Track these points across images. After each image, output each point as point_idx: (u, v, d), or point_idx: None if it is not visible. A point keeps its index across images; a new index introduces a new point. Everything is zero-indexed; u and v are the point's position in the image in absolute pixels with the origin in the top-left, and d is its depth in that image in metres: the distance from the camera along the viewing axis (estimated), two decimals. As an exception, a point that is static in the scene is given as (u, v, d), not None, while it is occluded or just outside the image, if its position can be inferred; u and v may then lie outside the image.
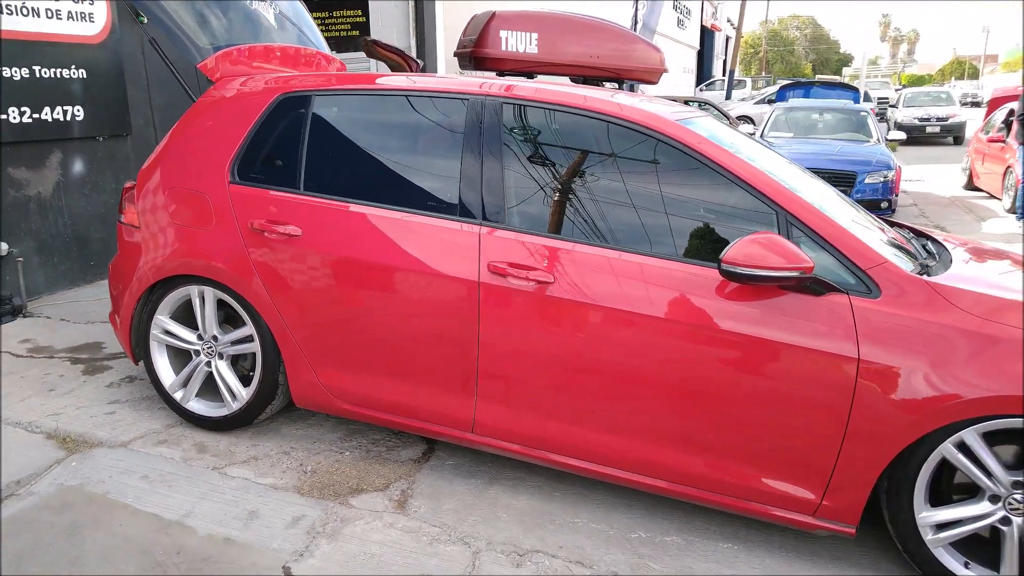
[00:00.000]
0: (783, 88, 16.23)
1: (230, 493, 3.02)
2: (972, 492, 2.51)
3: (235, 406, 3.40)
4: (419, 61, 7.51)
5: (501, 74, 7.15)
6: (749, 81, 34.10)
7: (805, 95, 15.89)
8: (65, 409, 3.67)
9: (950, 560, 2.51)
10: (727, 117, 15.98)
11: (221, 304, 3.39)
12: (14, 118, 5.19)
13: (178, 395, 3.50)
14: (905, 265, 2.64)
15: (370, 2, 11.09)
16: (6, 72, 5.09)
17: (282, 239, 3.16)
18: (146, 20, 3.66)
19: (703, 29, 33.59)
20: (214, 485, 3.07)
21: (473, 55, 7.66)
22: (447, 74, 3.34)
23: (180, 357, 3.56)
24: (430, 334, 2.98)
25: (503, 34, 7.37)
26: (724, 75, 31.42)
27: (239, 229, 3.25)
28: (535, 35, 7.42)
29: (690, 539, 2.83)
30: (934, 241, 3.32)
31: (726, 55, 35.34)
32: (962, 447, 2.42)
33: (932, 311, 2.44)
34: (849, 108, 12.93)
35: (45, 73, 5.39)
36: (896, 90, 31.92)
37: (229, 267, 3.25)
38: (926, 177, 14.43)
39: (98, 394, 3.86)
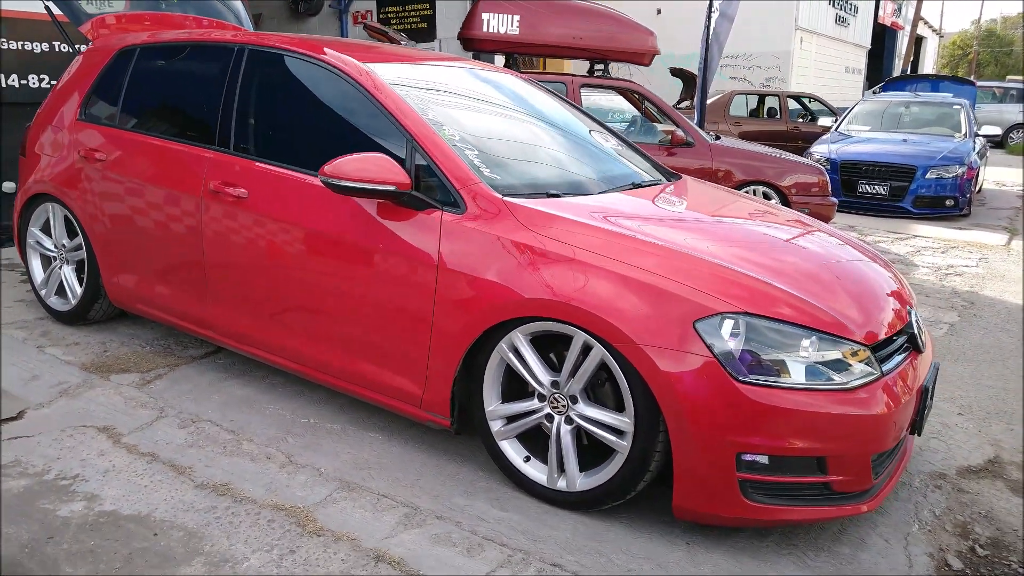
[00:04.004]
0: (888, 82, 15.48)
1: (33, 363, 3.75)
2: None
3: (73, 302, 4.16)
4: (402, 41, 8.08)
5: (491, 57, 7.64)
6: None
7: (933, 89, 15.11)
8: (-25, 302, 4.59)
9: (512, 452, 2.79)
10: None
11: (70, 219, 4.14)
12: (33, 83, 6.30)
13: (43, 292, 4.30)
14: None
15: None
16: (28, 46, 6.20)
17: (95, 164, 3.85)
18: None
19: (881, 27, 31.27)
20: (28, 357, 3.82)
21: (461, 36, 8.16)
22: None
23: (49, 262, 4.35)
24: (179, 244, 3.56)
25: (485, 16, 7.85)
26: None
27: (74, 158, 3.98)
28: (516, 17, 7.83)
29: (346, 427, 3.24)
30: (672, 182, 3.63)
31: (916, 55, 32.54)
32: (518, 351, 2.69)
33: (497, 226, 2.72)
34: (940, 102, 12.23)
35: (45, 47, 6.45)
36: None
37: (67, 188, 3.99)
38: None
39: (11, 294, 4.77)
